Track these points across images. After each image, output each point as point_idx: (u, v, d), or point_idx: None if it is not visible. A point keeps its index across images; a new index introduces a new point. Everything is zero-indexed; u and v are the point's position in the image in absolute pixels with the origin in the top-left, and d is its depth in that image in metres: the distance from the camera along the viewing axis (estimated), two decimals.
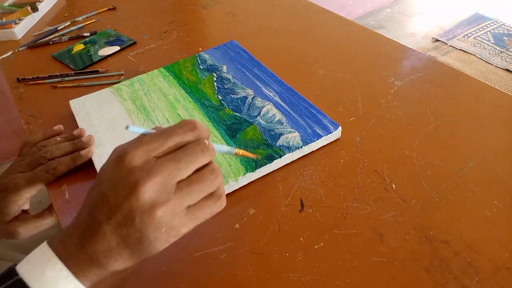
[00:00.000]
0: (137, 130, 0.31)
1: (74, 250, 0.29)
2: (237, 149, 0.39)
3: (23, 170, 0.48)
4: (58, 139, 0.51)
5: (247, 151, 0.42)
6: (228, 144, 0.49)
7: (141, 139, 0.30)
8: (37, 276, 0.28)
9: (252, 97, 0.56)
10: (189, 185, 0.30)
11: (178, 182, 0.29)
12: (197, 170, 0.30)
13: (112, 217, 0.28)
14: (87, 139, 0.50)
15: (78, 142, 0.50)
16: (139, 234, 0.28)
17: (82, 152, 0.49)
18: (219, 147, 0.37)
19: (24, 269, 0.28)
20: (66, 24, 0.86)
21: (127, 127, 0.31)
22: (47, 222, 0.51)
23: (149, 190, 0.28)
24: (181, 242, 0.41)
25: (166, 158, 0.29)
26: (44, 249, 0.29)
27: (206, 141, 0.31)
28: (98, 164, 0.49)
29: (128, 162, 0.29)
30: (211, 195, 0.31)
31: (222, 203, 0.32)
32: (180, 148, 0.30)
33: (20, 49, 0.80)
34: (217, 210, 0.32)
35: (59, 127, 0.53)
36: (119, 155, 0.29)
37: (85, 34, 0.80)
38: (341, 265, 0.38)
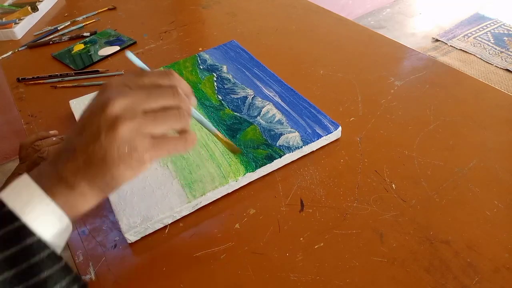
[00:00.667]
0: (132, 58, 0.36)
1: (47, 171, 0.31)
2: (219, 132, 0.40)
3: (22, 172, 0.48)
4: (54, 139, 0.51)
5: (227, 139, 0.42)
6: None
7: (123, 75, 0.34)
8: (14, 196, 0.30)
9: (252, 97, 0.56)
10: (154, 113, 0.32)
11: (146, 112, 0.32)
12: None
13: (83, 134, 0.31)
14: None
15: None
16: (104, 151, 0.30)
17: None
18: (202, 118, 0.39)
19: (4, 193, 0.31)
20: (66, 24, 0.86)
21: (127, 53, 0.36)
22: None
23: (116, 106, 0.30)
24: (181, 242, 0.42)
25: (139, 89, 0.32)
26: (24, 176, 0.32)
27: (179, 89, 0.33)
28: None
29: (106, 86, 0.32)
30: (178, 134, 0.34)
31: (187, 143, 0.34)
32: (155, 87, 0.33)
33: (20, 49, 0.80)
34: (180, 148, 0.33)
35: (54, 132, 0.53)
36: (104, 83, 0.33)
37: (85, 34, 0.80)
38: (341, 265, 0.38)
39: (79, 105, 0.58)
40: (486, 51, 1.89)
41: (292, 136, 0.49)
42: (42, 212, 0.30)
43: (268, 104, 0.55)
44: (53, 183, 0.31)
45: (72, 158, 0.31)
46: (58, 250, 0.31)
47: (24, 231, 0.29)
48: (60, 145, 0.34)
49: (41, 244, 0.30)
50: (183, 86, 0.35)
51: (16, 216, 0.29)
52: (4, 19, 0.87)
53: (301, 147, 0.48)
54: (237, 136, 0.50)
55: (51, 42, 0.80)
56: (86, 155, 0.30)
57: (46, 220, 0.31)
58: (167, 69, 0.34)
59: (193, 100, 0.37)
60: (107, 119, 0.30)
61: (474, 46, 1.94)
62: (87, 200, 0.32)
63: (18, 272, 0.29)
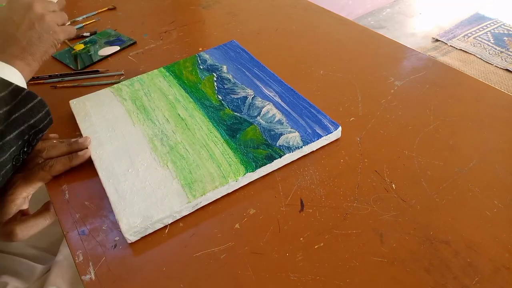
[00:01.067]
0: None
1: (1, 54, 0.46)
2: None
3: (21, 171, 0.48)
4: (54, 141, 0.51)
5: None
6: (228, 144, 0.49)
7: None
8: None
9: (252, 97, 0.56)
10: (56, 12, 0.52)
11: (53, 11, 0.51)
12: None
13: (19, 27, 0.48)
14: (83, 140, 0.51)
15: (74, 143, 0.50)
16: (38, 34, 0.49)
17: (80, 153, 0.49)
18: None
19: None
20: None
21: None
22: (46, 220, 0.51)
23: (39, 6, 0.49)
24: (181, 242, 0.42)
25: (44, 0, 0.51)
26: None
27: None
28: (99, 164, 0.49)
29: None
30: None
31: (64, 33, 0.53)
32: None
33: None
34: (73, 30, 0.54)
35: (54, 135, 0.54)
36: None
37: (85, 34, 0.80)
38: (341, 265, 0.38)
39: (79, 105, 0.58)
40: (486, 51, 1.89)
41: (292, 136, 0.49)
42: (10, 73, 0.46)
43: (268, 104, 0.55)
44: (8, 60, 0.46)
45: (17, 42, 0.47)
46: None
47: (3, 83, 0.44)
48: None
49: (20, 87, 0.45)
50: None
51: None
52: None
53: (301, 147, 0.48)
54: (237, 136, 0.50)
55: None
56: (27, 38, 0.48)
57: (14, 78, 0.46)
58: None
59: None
60: (36, 14, 0.49)
61: (474, 46, 1.94)
62: (31, 69, 0.49)
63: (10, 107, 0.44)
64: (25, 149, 0.46)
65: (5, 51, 0.47)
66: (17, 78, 0.46)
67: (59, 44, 0.52)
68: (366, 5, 2.31)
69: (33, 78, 0.69)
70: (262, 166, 0.46)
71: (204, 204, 0.45)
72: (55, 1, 0.54)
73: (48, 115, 0.48)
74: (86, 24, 0.85)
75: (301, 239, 0.41)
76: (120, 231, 0.41)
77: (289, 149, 0.48)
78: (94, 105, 0.58)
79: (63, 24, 0.53)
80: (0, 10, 0.49)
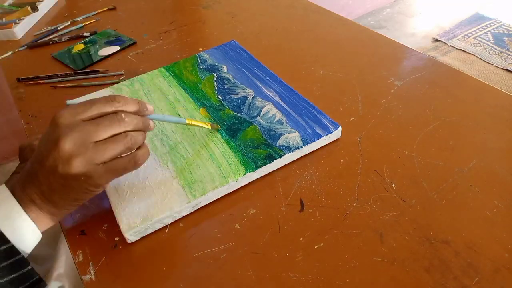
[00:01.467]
0: (74, 102, 0.40)
1: (20, 193, 0.37)
2: (187, 120, 0.47)
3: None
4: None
5: (200, 121, 0.49)
6: (228, 144, 0.49)
7: (72, 106, 0.37)
8: None
9: (252, 97, 0.56)
10: (104, 143, 0.36)
11: (96, 142, 0.35)
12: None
13: (43, 165, 0.35)
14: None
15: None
16: (62, 181, 0.35)
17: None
18: (168, 118, 0.46)
19: None
20: (66, 24, 0.86)
21: (67, 102, 0.40)
22: None
23: (68, 143, 0.34)
24: (181, 242, 0.42)
25: (88, 121, 0.36)
26: (3, 189, 0.37)
27: (123, 114, 0.37)
28: None
29: (57, 121, 0.35)
30: (127, 155, 0.38)
31: (136, 162, 0.38)
32: (102, 116, 0.37)
33: (20, 49, 0.80)
34: (131, 167, 0.38)
35: None
36: (53, 117, 0.36)
37: (85, 34, 0.80)
38: (341, 265, 0.38)
39: None
40: (486, 51, 1.89)
41: (292, 136, 0.49)
42: (20, 225, 0.36)
43: (268, 104, 0.55)
44: (25, 203, 0.37)
45: (37, 184, 0.36)
46: (25, 255, 0.38)
47: (1, 238, 0.35)
48: (26, 167, 0.38)
49: (14, 250, 0.36)
50: (130, 106, 0.38)
51: None
52: (4, 19, 0.87)
53: (301, 147, 0.48)
54: (237, 136, 0.50)
55: (51, 42, 0.80)
56: (47, 183, 0.36)
57: (22, 232, 0.37)
58: (111, 95, 0.38)
59: (149, 108, 0.40)
60: (61, 155, 0.34)
61: (474, 46, 1.94)
62: (53, 218, 0.39)
63: None
64: None
65: (26, 191, 0.37)
66: (27, 228, 0.37)
67: (102, 188, 0.38)
68: (366, 5, 2.31)
69: (33, 78, 0.69)
70: (262, 166, 0.46)
71: (204, 204, 0.45)
72: (132, 108, 0.38)
73: None
74: (86, 24, 0.85)
75: (301, 239, 0.41)
76: (120, 231, 0.41)
77: (289, 149, 0.48)
78: None
79: (116, 156, 0.37)
80: (44, 132, 0.37)
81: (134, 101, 0.39)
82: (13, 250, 0.36)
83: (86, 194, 0.37)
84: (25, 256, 0.37)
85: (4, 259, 0.35)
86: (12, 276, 0.36)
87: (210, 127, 0.50)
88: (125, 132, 0.37)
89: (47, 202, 0.37)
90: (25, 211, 0.37)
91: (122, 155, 0.37)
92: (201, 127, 0.50)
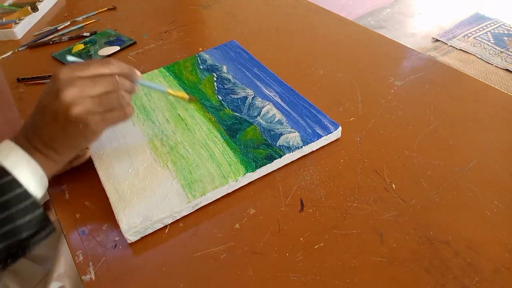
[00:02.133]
0: (73, 59, 0.43)
1: (24, 142, 0.41)
2: (169, 89, 0.51)
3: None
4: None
5: (180, 92, 0.54)
6: (228, 144, 0.49)
7: (71, 64, 0.41)
8: (4, 157, 0.39)
9: (252, 97, 0.56)
10: (99, 97, 0.40)
11: (92, 97, 0.39)
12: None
13: (44, 115, 0.39)
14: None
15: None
16: (62, 128, 0.39)
17: (80, 153, 0.49)
18: (151, 84, 0.52)
19: None
20: (66, 24, 0.86)
21: (68, 57, 0.45)
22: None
23: (68, 95, 0.38)
24: (181, 242, 0.42)
25: (85, 78, 0.40)
26: (7, 142, 0.41)
27: (116, 77, 0.41)
28: (98, 164, 0.49)
29: (57, 76, 0.39)
30: (119, 107, 0.42)
31: (126, 115, 0.42)
32: (98, 76, 0.41)
33: (20, 49, 0.80)
34: (122, 118, 0.42)
35: None
36: (54, 72, 0.39)
37: (85, 34, 0.80)
38: (341, 265, 0.38)
39: None
40: (486, 51, 1.89)
41: (292, 136, 0.49)
42: (29, 171, 0.40)
43: (268, 104, 0.55)
44: (30, 151, 0.40)
45: (40, 134, 0.40)
46: (37, 200, 0.41)
47: (14, 184, 0.38)
48: (28, 119, 0.42)
49: (27, 194, 0.39)
50: (122, 69, 0.42)
51: (7, 171, 0.38)
52: (4, 19, 0.87)
53: (301, 147, 0.48)
54: (237, 136, 0.50)
55: (51, 42, 0.80)
56: (49, 132, 0.40)
57: (31, 176, 0.40)
58: (107, 58, 0.42)
59: (138, 74, 0.45)
60: (61, 105, 0.38)
61: (474, 46, 1.94)
62: (57, 163, 0.42)
63: (7, 215, 0.38)
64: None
65: (30, 140, 0.41)
66: (36, 172, 0.40)
67: (98, 135, 0.41)
68: (366, 5, 2.31)
69: (33, 78, 0.69)
70: (262, 166, 0.46)
71: (204, 204, 0.45)
72: (118, 69, 0.42)
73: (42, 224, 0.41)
74: (86, 24, 0.85)
75: (301, 239, 0.41)
76: (120, 231, 0.41)
77: (289, 149, 0.48)
78: None
79: (113, 109, 0.41)
80: (45, 86, 0.41)
81: (126, 66, 0.43)
82: (26, 194, 0.39)
83: (83, 141, 0.41)
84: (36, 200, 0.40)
85: (19, 202, 0.39)
86: (29, 217, 0.39)
87: (188, 99, 0.55)
88: (118, 90, 0.41)
89: (50, 149, 0.41)
90: (33, 158, 0.40)
91: (114, 108, 0.42)
92: (180, 97, 0.55)
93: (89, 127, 0.39)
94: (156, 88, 0.51)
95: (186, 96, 0.55)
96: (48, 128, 0.40)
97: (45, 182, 0.42)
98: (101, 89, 0.40)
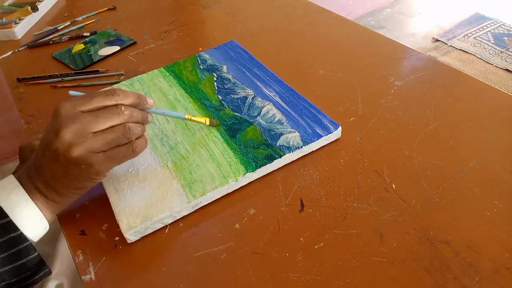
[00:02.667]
0: (76, 93, 0.40)
1: (26, 181, 0.39)
2: (187, 115, 0.48)
3: None
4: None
5: (199, 116, 0.50)
6: (228, 144, 0.49)
7: (73, 98, 0.38)
8: (4, 196, 0.37)
9: (252, 97, 0.56)
10: (103, 133, 0.37)
11: (95, 133, 0.37)
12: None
13: (46, 154, 0.37)
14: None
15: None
16: (64, 169, 0.37)
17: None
18: (168, 112, 0.46)
19: None
20: (66, 24, 0.86)
21: (70, 92, 0.40)
22: None
23: (69, 133, 0.35)
24: (181, 242, 0.42)
25: (88, 113, 0.37)
26: (11, 179, 0.39)
27: (123, 107, 0.38)
28: None
29: (58, 112, 0.36)
30: (125, 144, 0.39)
31: (134, 152, 0.40)
32: (102, 108, 0.38)
33: (20, 49, 0.80)
34: (129, 155, 0.40)
35: None
36: (55, 108, 0.37)
37: (85, 34, 0.80)
38: (341, 265, 0.38)
39: None
40: (486, 51, 1.89)
41: (292, 136, 0.49)
42: (28, 213, 0.38)
43: (268, 104, 0.55)
44: (31, 191, 0.38)
45: (41, 174, 0.38)
46: (33, 243, 0.40)
47: (11, 226, 0.37)
48: (32, 158, 0.40)
49: (22, 238, 0.38)
50: (130, 99, 0.39)
51: (5, 213, 0.37)
52: (4, 19, 0.87)
53: (301, 147, 0.48)
54: (237, 136, 0.50)
55: (51, 42, 0.80)
56: (50, 172, 0.37)
57: (30, 220, 0.38)
58: (111, 89, 0.39)
59: (149, 102, 0.41)
60: (61, 145, 0.36)
61: (474, 46, 1.94)
62: (59, 205, 0.40)
63: (2, 258, 0.37)
64: None
65: (32, 179, 0.39)
66: (35, 215, 0.39)
67: (103, 175, 0.39)
68: (366, 5, 2.31)
69: (33, 78, 0.69)
70: (262, 166, 0.46)
71: (204, 204, 0.45)
72: (130, 100, 0.39)
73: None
74: (86, 24, 0.85)
75: (301, 239, 0.41)
76: (120, 231, 0.41)
77: (289, 149, 0.48)
78: None
79: (119, 145, 0.38)
80: (48, 123, 0.39)
81: (134, 94, 0.40)
82: (21, 237, 0.38)
83: (87, 182, 0.39)
84: (32, 244, 0.39)
85: (13, 246, 0.37)
86: (20, 262, 0.38)
87: (208, 123, 0.51)
88: (123, 123, 0.38)
89: (51, 191, 0.38)
90: (32, 200, 0.38)
91: (121, 144, 0.38)
92: (200, 122, 0.50)
93: (93, 168, 0.37)
94: (173, 115, 0.47)
95: (206, 120, 0.50)
96: (49, 168, 0.37)
97: (45, 224, 0.40)
98: (105, 124, 0.37)
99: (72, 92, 0.40)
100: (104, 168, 0.38)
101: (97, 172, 0.38)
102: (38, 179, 0.38)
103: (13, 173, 0.40)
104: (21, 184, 0.38)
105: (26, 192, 0.38)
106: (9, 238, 0.37)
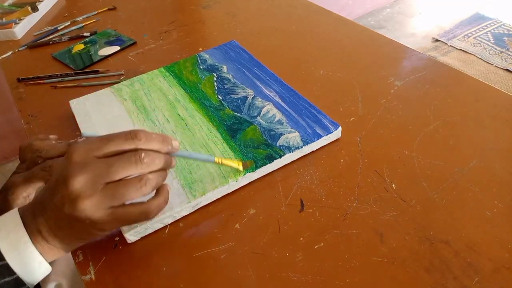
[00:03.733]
0: (90, 134, 0.35)
1: (29, 221, 0.35)
2: (216, 158, 0.42)
3: (22, 171, 0.48)
4: (53, 142, 0.51)
5: (230, 159, 0.45)
6: (228, 144, 0.49)
7: (89, 139, 0.35)
8: (2, 235, 0.34)
9: (252, 97, 0.56)
10: (115, 186, 0.33)
11: (107, 184, 0.33)
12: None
13: (52, 200, 0.34)
14: (82, 139, 0.50)
15: (73, 143, 0.50)
16: (67, 219, 0.33)
17: None
18: (195, 155, 0.43)
19: None
20: (66, 24, 0.86)
21: (81, 135, 0.36)
22: None
23: (77, 183, 0.32)
24: (181, 242, 0.42)
25: (101, 160, 0.33)
26: (14, 215, 0.35)
27: (143, 154, 0.34)
28: None
29: (70, 156, 0.33)
30: (139, 204, 0.35)
31: (147, 216, 0.36)
32: (118, 154, 0.34)
33: (20, 49, 0.80)
34: (141, 219, 0.36)
35: (54, 136, 0.52)
36: (68, 150, 0.34)
37: (85, 34, 0.80)
38: (341, 265, 0.38)
39: (79, 105, 0.58)
40: (486, 51, 1.89)
41: (292, 136, 0.49)
42: (26, 256, 0.35)
43: (268, 104, 0.55)
44: (33, 233, 0.35)
45: (46, 217, 0.35)
46: (31, 287, 0.36)
47: (6, 270, 0.34)
48: (41, 192, 0.36)
49: (18, 281, 0.34)
50: (153, 144, 0.35)
51: (1, 255, 0.34)
52: (4, 19, 0.87)
53: (301, 147, 0.48)
54: (237, 136, 0.50)
55: (51, 42, 0.80)
56: (54, 218, 0.34)
57: (28, 263, 0.35)
58: (133, 130, 0.34)
59: (175, 145, 0.37)
60: (68, 194, 0.32)
61: (474, 46, 1.94)
62: (59, 252, 0.37)
63: None
64: None
65: (36, 220, 0.35)
66: (33, 260, 0.35)
67: (105, 233, 0.37)
68: (366, 5, 2.31)
69: (33, 78, 0.69)
70: (262, 166, 0.46)
71: (204, 204, 0.45)
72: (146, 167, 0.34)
73: None
74: (86, 24, 0.85)
75: (301, 239, 0.41)
76: (120, 231, 0.41)
77: (289, 149, 0.48)
78: (94, 105, 0.58)
79: (123, 202, 0.34)
80: (59, 164, 0.37)
81: (158, 137, 0.35)
82: (18, 282, 0.34)
83: (91, 236, 0.36)
84: None
85: None
86: None
87: (242, 168, 0.45)
88: (140, 175, 0.34)
89: (54, 237, 0.35)
90: (33, 242, 0.35)
91: (135, 202, 0.35)
92: (232, 167, 0.45)
93: (97, 225, 0.34)
94: (200, 158, 0.44)
95: (238, 164, 0.45)
96: (54, 213, 0.34)
97: (45, 267, 0.36)
98: (118, 174, 0.33)
99: (85, 133, 0.36)
100: (108, 227, 0.35)
101: (101, 229, 0.35)
102: (42, 222, 0.35)
103: (19, 209, 0.36)
104: (24, 223, 0.35)
105: (27, 232, 0.35)
106: (4, 282, 0.34)
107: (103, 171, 0.33)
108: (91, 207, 0.32)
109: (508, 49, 1.89)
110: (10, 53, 0.79)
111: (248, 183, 0.47)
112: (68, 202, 0.32)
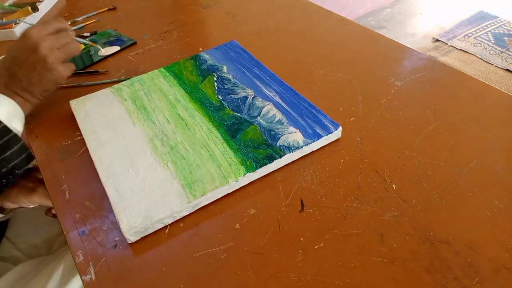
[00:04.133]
0: (28, 22, 0.61)
1: (4, 89, 0.52)
2: (85, 41, 0.69)
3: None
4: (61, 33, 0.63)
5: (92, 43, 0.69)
6: (228, 144, 0.49)
7: (34, 26, 0.53)
8: None
9: (253, 97, 0.56)
10: (63, 46, 0.55)
11: (58, 48, 0.54)
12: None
13: (22, 67, 0.52)
14: (21, 24, 0.76)
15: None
16: (40, 75, 0.53)
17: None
18: (79, 39, 0.63)
19: None
20: None
21: (19, 20, 0.62)
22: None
23: (43, 49, 0.52)
24: (181, 242, 0.42)
25: (51, 35, 0.54)
26: None
27: (70, 31, 0.57)
28: (99, 165, 0.49)
29: (30, 36, 0.52)
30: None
31: (77, 50, 0.57)
32: (58, 32, 0.55)
33: None
34: (75, 52, 0.57)
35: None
36: (25, 33, 0.53)
37: (85, 34, 0.80)
38: (341, 265, 0.38)
39: (79, 105, 0.58)
40: (487, 51, 1.89)
41: (292, 136, 0.49)
42: (9, 110, 0.51)
43: (268, 104, 0.55)
44: (11, 95, 0.52)
45: (18, 81, 0.52)
46: (18, 134, 0.51)
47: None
48: (3, 68, 0.53)
49: (6, 128, 0.49)
50: (68, 25, 0.57)
51: None
52: (4, 19, 0.87)
53: (302, 147, 0.48)
54: (238, 136, 0.50)
55: None
56: (27, 79, 0.52)
57: (12, 114, 0.51)
58: (57, 17, 0.57)
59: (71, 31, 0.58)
60: (39, 57, 0.52)
61: (474, 46, 1.93)
62: (32, 104, 0.55)
63: None
64: None
65: (8, 87, 0.52)
66: (16, 111, 0.52)
67: (62, 81, 0.55)
68: (366, 5, 2.31)
69: None
70: (262, 166, 0.46)
71: (204, 204, 0.45)
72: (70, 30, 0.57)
73: (26, 161, 0.52)
74: (86, 24, 0.85)
75: (301, 239, 0.41)
76: (120, 231, 0.41)
77: (289, 149, 0.48)
78: (94, 105, 0.58)
79: (67, 44, 0.55)
80: (13, 46, 0.53)
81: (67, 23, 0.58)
82: (7, 129, 0.49)
83: (54, 84, 0.55)
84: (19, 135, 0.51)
85: (3, 137, 0.48)
86: (11, 151, 0.49)
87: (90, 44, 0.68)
88: (72, 40, 0.56)
89: (27, 93, 0.53)
90: (13, 100, 0.52)
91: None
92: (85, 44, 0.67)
93: (59, 73, 0.54)
94: (83, 41, 0.67)
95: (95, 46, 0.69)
96: (26, 76, 0.52)
97: (23, 120, 0.54)
98: (63, 40, 0.54)
99: (23, 20, 0.59)
100: (64, 74, 0.55)
101: (62, 76, 0.54)
102: (16, 86, 0.52)
103: None
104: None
105: (6, 96, 0.51)
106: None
107: (53, 40, 0.53)
108: (54, 60, 0.53)
109: (508, 49, 1.89)
110: None
111: (248, 183, 0.47)
112: (40, 61, 0.52)
